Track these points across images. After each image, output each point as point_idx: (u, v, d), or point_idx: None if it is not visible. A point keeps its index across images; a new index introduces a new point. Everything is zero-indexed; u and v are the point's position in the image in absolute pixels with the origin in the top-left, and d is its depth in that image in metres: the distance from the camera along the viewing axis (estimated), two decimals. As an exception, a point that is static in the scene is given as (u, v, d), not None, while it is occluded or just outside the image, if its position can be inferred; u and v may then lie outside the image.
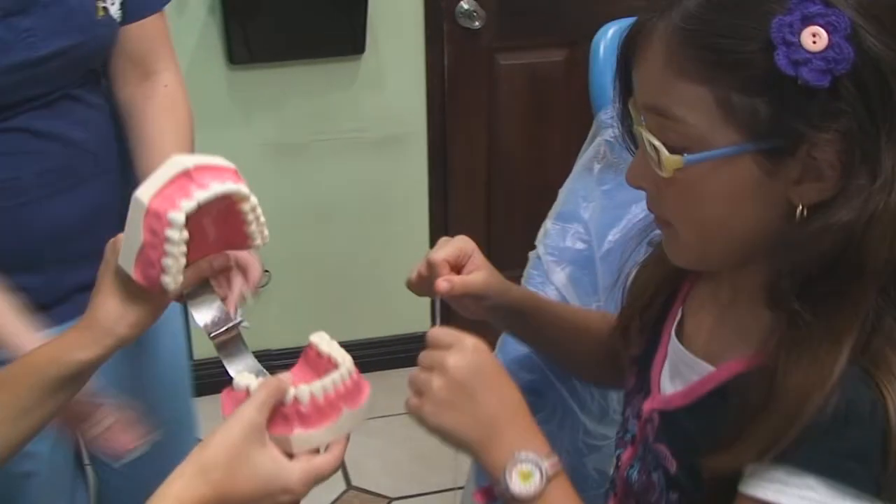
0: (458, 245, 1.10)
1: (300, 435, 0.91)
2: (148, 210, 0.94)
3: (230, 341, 1.03)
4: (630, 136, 0.91)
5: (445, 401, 0.87)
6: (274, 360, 3.04)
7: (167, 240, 0.94)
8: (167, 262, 0.95)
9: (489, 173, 2.98)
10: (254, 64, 2.69)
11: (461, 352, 0.89)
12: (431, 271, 1.08)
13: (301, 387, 0.92)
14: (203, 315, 1.04)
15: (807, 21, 0.72)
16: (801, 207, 0.77)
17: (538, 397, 1.25)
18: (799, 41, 0.72)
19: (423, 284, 1.10)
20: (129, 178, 1.42)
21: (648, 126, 0.82)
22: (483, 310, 1.13)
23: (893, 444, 0.75)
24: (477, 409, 0.87)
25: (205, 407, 2.83)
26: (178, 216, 0.92)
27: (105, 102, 1.44)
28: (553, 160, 2.85)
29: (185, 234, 0.94)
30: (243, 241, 1.02)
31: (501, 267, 1.19)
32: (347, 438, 0.95)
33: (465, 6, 2.78)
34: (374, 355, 2.90)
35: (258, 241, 1.03)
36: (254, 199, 0.99)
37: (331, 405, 0.93)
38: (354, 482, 2.61)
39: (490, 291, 1.10)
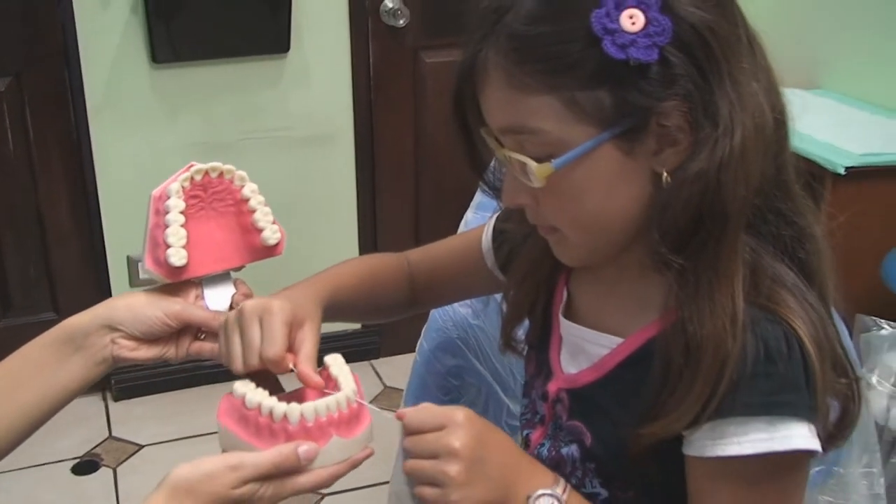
0: (281, 323, 0.97)
1: None
2: (151, 197, 1.04)
3: None
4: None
5: (467, 481, 0.85)
6: (204, 360, 3.05)
7: (166, 210, 1.02)
8: (168, 233, 1.02)
9: (416, 169, 3.01)
10: (178, 63, 2.68)
11: (459, 428, 0.86)
12: (269, 366, 0.97)
13: (292, 405, 0.90)
14: (214, 302, 1.07)
15: (620, 7, 0.77)
16: (664, 174, 0.82)
17: (463, 381, 1.29)
18: (619, 26, 0.77)
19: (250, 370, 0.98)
20: None
21: (509, 146, 0.86)
22: None
23: (815, 366, 0.82)
24: (491, 474, 0.87)
25: (131, 409, 2.85)
26: (174, 185, 1.03)
27: None
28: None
29: (182, 203, 1.03)
30: (259, 244, 1.08)
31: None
32: (344, 470, 0.91)
33: (390, 4, 2.80)
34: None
35: (267, 235, 1.07)
36: (254, 185, 1.08)
37: (321, 430, 0.91)
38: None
39: (320, 327, 1.05)
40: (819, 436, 0.85)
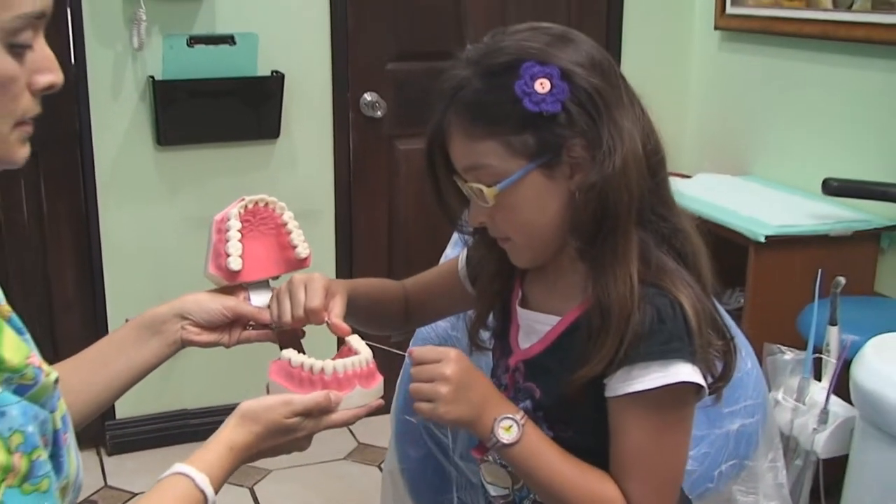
0: (321, 288, 1.31)
1: None
2: (214, 220, 1.35)
3: (285, 329, 1.35)
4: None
5: (454, 400, 1.16)
6: (191, 419, 3.28)
7: (228, 229, 1.33)
8: (229, 245, 1.33)
9: (389, 244, 3.33)
10: (180, 146, 3.01)
11: (451, 362, 1.17)
12: (310, 316, 1.30)
13: (327, 361, 1.21)
14: (257, 301, 1.37)
15: (534, 78, 1.12)
16: (577, 193, 1.16)
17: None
18: (534, 90, 1.12)
19: (295, 323, 1.32)
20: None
21: (470, 180, 1.20)
22: None
23: (693, 324, 1.14)
24: (471, 398, 1.17)
25: (124, 463, 3.07)
26: (233, 210, 1.36)
27: None
28: (446, 232, 3.20)
29: (239, 224, 1.34)
30: (293, 258, 1.39)
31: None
32: (363, 412, 1.21)
33: (368, 97, 3.17)
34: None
35: (300, 250, 1.38)
36: (290, 212, 1.40)
37: (347, 380, 1.20)
38: (270, 523, 2.85)
39: (346, 304, 1.38)
40: (706, 378, 1.17)
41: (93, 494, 2.93)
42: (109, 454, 3.15)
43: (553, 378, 1.23)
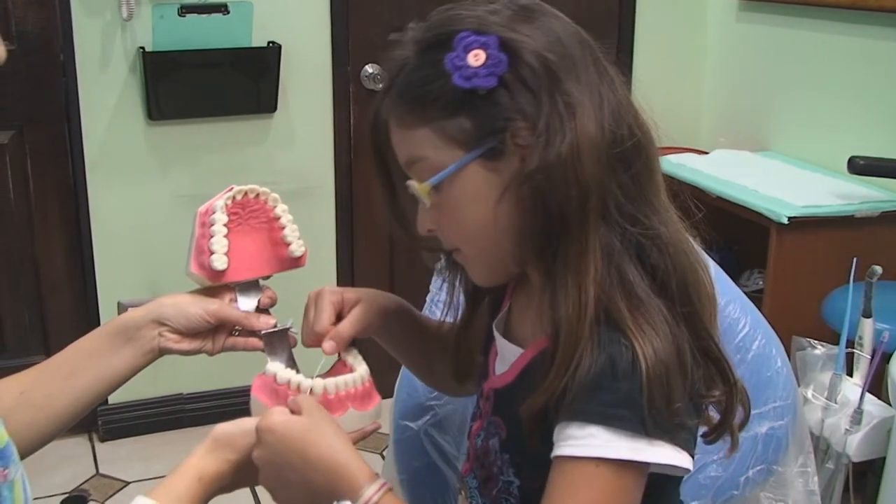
0: (330, 303, 1.16)
1: None
2: (198, 213, 1.20)
3: (275, 338, 1.21)
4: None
5: (274, 487, 1.00)
6: (187, 403, 3.18)
7: (212, 223, 1.18)
8: (213, 242, 1.18)
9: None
10: (171, 120, 2.88)
11: (258, 444, 1.00)
12: (316, 339, 1.16)
13: (316, 380, 1.08)
14: (245, 304, 1.23)
15: (467, 49, 0.93)
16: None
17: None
18: (466, 63, 0.93)
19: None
20: None
21: (413, 178, 1.00)
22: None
23: (651, 390, 0.90)
24: (289, 478, 0.99)
25: (117, 450, 2.97)
26: (219, 202, 1.19)
27: None
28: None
29: (225, 217, 1.19)
30: (286, 256, 1.24)
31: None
32: (357, 437, 1.07)
33: (370, 70, 3.03)
34: (284, 396, 3.05)
35: (294, 248, 1.23)
36: (284, 206, 1.24)
37: (339, 401, 1.07)
38: (267, 514, 2.74)
39: (366, 329, 1.19)
40: (687, 448, 0.93)
41: (84, 483, 2.83)
42: (101, 440, 3.04)
43: (517, 416, 1.00)
